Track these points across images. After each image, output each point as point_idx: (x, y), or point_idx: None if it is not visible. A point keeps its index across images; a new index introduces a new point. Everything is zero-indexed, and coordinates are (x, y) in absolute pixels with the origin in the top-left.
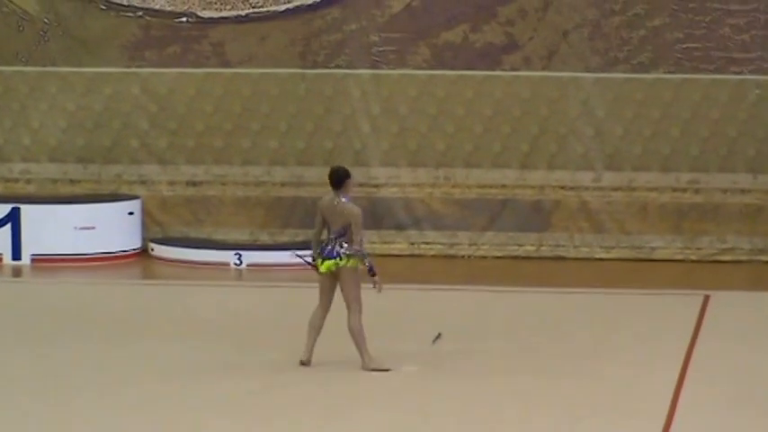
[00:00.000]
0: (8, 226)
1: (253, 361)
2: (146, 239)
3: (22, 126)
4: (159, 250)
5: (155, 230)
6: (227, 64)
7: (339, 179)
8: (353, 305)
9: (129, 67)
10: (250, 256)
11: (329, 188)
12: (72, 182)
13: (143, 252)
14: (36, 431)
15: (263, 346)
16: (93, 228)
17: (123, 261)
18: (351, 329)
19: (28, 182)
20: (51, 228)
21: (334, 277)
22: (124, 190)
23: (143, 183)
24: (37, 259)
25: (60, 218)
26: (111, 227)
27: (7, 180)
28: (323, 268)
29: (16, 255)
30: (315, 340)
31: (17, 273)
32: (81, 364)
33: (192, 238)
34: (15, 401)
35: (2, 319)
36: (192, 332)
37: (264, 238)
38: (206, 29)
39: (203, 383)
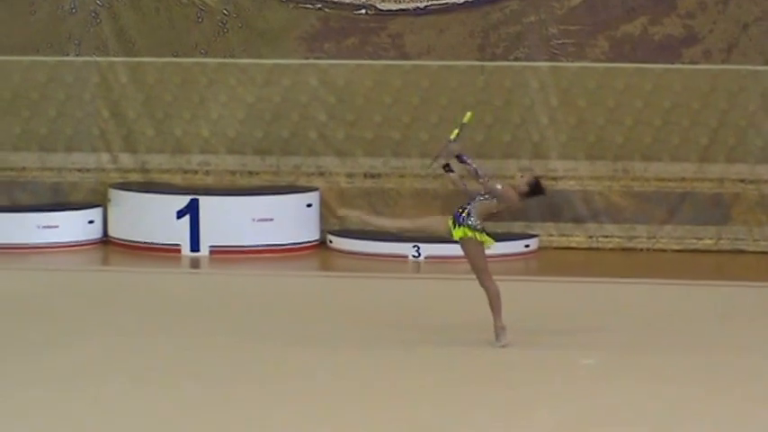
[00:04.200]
0: (187, 217)
1: (442, 352)
2: (324, 231)
3: (200, 118)
4: (338, 242)
5: (333, 222)
6: (405, 56)
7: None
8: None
9: (307, 58)
10: (428, 249)
11: (505, 179)
12: (250, 173)
13: (321, 244)
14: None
15: (447, 338)
16: (272, 219)
17: (301, 253)
18: (492, 295)
19: (206, 173)
20: (229, 219)
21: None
22: (302, 182)
23: (321, 174)
24: (215, 251)
25: (238, 209)
26: (289, 219)
27: (186, 171)
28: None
29: (195, 246)
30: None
31: (195, 264)
32: (262, 358)
33: (370, 230)
34: (209, 392)
35: (181, 311)
36: (372, 324)
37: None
38: (385, 21)
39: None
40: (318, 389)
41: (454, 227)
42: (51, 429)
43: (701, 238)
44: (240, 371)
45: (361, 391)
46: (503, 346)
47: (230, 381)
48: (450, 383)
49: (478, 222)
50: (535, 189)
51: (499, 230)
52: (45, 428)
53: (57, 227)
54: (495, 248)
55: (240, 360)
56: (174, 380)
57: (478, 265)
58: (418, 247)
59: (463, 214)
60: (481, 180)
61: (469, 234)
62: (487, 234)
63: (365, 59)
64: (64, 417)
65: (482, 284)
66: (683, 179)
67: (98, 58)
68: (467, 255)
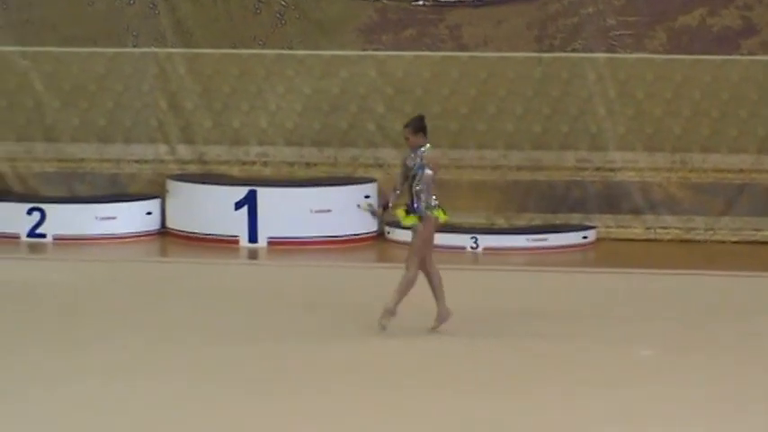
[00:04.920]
0: (245, 209)
1: (498, 342)
2: (382, 223)
3: (259, 109)
4: (395, 234)
5: (391, 214)
6: (463, 47)
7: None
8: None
9: (365, 50)
10: (486, 240)
11: (563, 171)
12: (308, 165)
13: (379, 236)
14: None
15: (502, 328)
16: (329, 211)
17: (359, 244)
18: (407, 279)
19: (264, 165)
20: (287, 211)
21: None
22: (360, 173)
23: (379, 166)
24: (273, 242)
25: (296, 201)
26: (347, 210)
27: (244, 163)
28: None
29: (253, 237)
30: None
31: (253, 255)
32: (323, 350)
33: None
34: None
35: (239, 302)
36: (430, 315)
37: (500, 221)
38: (443, 12)
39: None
40: (383, 378)
41: (406, 215)
42: (111, 422)
43: (759, 230)
44: (300, 363)
45: (421, 379)
46: (382, 328)
47: (289, 373)
48: (509, 372)
49: (431, 201)
50: (418, 124)
51: (557, 222)
52: (108, 421)
53: (115, 218)
54: (553, 240)
55: (299, 352)
56: (231, 374)
57: (418, 246)
58: (476, 239)
59: (416, 203)
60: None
61: (423, 218)
62: (439, 209)
63: (423, 51)
64: (121, 410)
65: (407, 265)
66: (742, 170)
67: (156, 50)
68: (417, 235)
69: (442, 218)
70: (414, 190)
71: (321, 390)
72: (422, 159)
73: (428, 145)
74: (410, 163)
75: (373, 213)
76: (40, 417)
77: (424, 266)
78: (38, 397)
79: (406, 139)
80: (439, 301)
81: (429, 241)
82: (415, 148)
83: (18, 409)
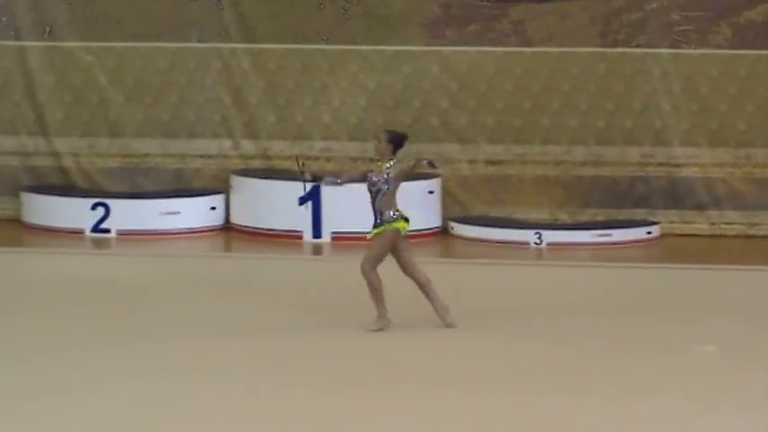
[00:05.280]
0: (309, 204)
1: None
2: (445, 218)
3: (322, 104)
4: (459, 229)
5: (455, 209)
6: (527, 43)
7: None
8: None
9: (429, 45)
10: (550, 235)
11: (627, 166)
12: (371, 160)
13: (443, 231)
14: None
15: (567, 323)
16: None
17: (423, 240)
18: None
19: (328, 160)
20: (351, 206)
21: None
22: (424, 168)
23: (443, 161)
24: (337, 237)
25: (360, 196)
26: (411, 205)
27: (307, 158)
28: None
29: (317, 233)
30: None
31: (317, 250)
32: (387, 345)
33: (492, 216)
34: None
35: (303, 298)
36: (494, 310)
37: (564, 217)
38: (506, 7)
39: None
40: (448, 374)
41: (376, 228)
42: (185, 417)
43: None
44: (364, 358)
45: (491, 375)
46: (377, 330)
47: (355, 368)
48: (568, 368)
49: (393, 213)
50: (397, 140)
51: (621, 217)
52: (182, 416)
53: (179, 213)
54: (617, 235)
55: (362, 347)
56: (292, 369)
57: (375, 252)
58: (540, 234)
59: (378, 219)
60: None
61: (389, 228)
62: (404, 219)
63: (487, 46)
64: (194, 405)
65: (363, 271)
66: None
67: (220, 45)
68: (375, 242)
69: (404, 229)
70: (376, 206)
71: (399, 382)
72: (387, 176)
73: (392, 162)
74: (375, 178)
75: (308, 180)
76: (113, 412)
77: (408, 271)
78: (108, 392)
79: (378, 141)
80: (379, 305)
81: (385, 252)
82: (380, 155)
83: (89, 404)
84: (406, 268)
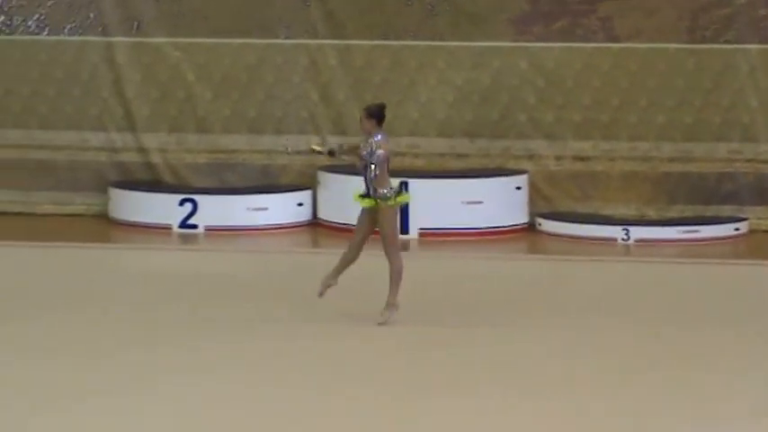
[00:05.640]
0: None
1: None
2: (532, 214)
3: (410, 100)
4: (546, 225)
5: (542, 205)
6: (614, 39)
7: (383, 114)
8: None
9: (516, 41)
10: (637, 232)
11: (715, 162)
12: (459, 156)
13: (530, 227)
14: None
15: (660, 320)
16: (481, 202)
17: (510, 236)
18: (396, 270)
19: (416, 156)
20: (438, 202)
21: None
22: (511, 164)
23: (530, 157)
24: (424, 233)
25: (447, 192)
26: (498, 201)
27: (395, 154)
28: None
29: (404, 229)
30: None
31: (404, 247)
32: (480, 342)
33: (580, 213)
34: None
35: (383, 293)
36: (580, 306)
37: (651, 213)
38: (594, 3)
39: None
40: (538, 371)
41: (362, 198)
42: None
43: None
44: (451, 354)
45: (572, 371)
46: (382, 323)
47: (444, 366)
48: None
49: (387, 190)
50: (376, 112)
51: (709, 214)
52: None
53: (266, 209)
54: (705, 232)
55: (444, 343)
56: (379, 366)
57: (388, 234)
58: (627, 230)
59: (371, 192)
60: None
61: (382, 203)
62: (398, 194)
63: (574, 42)
64: (279, 400)
65: (388, 256)
66: None
67: (307, 41)
68: (379, 223)
69: (403, 200)
70: (368, 179)
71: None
72: (372, 148)
73: (380, 136)
74: (364, 152)
75: (323, 153)
76: (199, 407)
77: (355, 251)
78: (210, 385)
79: (360, 120)
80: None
81: (395, 228)
82: (367, 133)
83: (176, 399)
84: (361, 240)
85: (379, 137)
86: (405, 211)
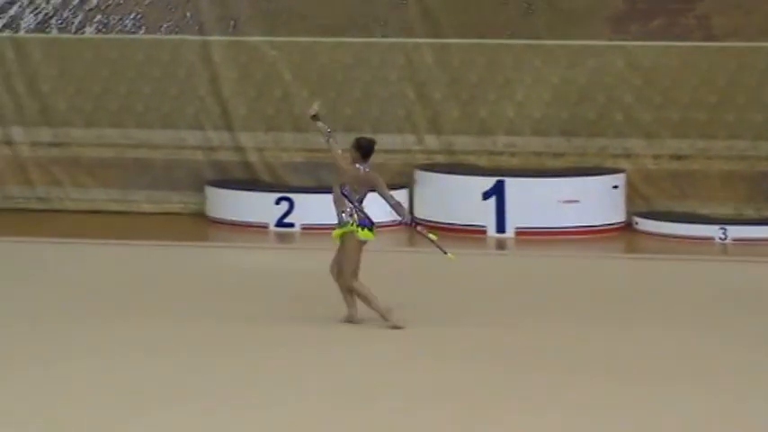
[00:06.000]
0: (493, 199)
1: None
2: (630, 213)
3: (506, 99)
4: (644, 224)
5: (639, 204)
6: (712, 37)
7: (370, 150)
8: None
9: (613, 39)
10: (735, 231)
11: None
12: (555, 155)
13: (627, 226)
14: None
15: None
16: (578, 201)
17: (607, 235)
18: (354, 289)
19: (512, 155)
20: (535, 201)
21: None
22: (608, 163)
23: (627, 156)
24: (520, 232)
25: (544, 191)
26: (595, 200)
27: (491, 153)
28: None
29: (500, 228)
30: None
31: (501, 245)
32: (580, 339)
33: (677, 212)
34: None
35: (487, 293)
36: (683, 309)
37: (749, 212)
38: (692, 2)
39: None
40: (629, 368)
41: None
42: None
43: None
44: (550, 355)
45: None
46: (394, 327)
47: (535, 365)
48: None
49: (348, 216)
50: (364, 148)
51: None
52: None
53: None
54: None
55: (547, 344)
56: (481, 361)
57: (350, 266)
58: (725, 230)
59: (345, 216)
60: (328, 142)
61: (348, 231)
62: (369, 230)
63: (672, 41)
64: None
65: (349, 286)
66: None
67: (404, 40)
68: (344, 249)
69: (366, 238)
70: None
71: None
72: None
73: (367, 168)
74: (346, 179)
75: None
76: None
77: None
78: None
79: (350, 150)
80: (376, 309)
81: (357, 260)
82: (352, 162)
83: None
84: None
85: (367, 168)
86: (501, 209)
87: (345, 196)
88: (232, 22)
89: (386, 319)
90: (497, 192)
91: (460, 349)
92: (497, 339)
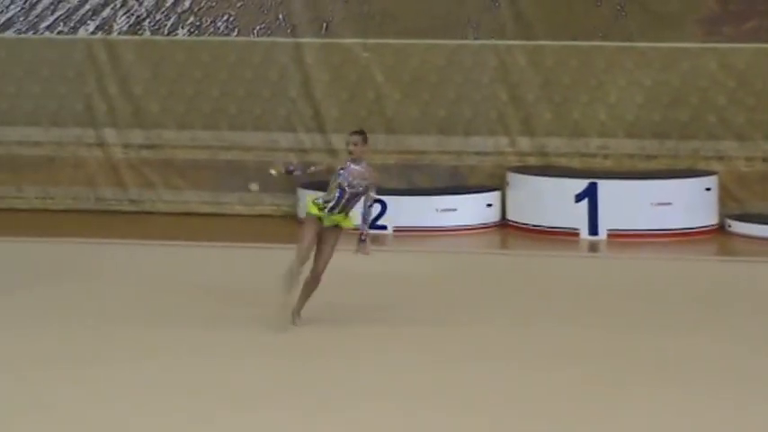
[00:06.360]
0: (585, 201)
1: None
2: (722, 216)
3: (598, 101)
4: (737, 226)
5: (732, 207)
6: None
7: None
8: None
9: (706, 42)
10: None
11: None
12: (648, 157)
13: (719, 228)
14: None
15: None
16: (670, 204)
17: (699, 237)
18: (317, 278)
19: (605, 157)
20: (628, 203)
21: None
22: (701, 166)
23: (720, 159)
24: (613, 234)
25: (637, 193)
26: (687, 203)
27: (584, 155)
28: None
29: (593, 230)
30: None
31: (594, 248)
32: (657, 345)
33: None
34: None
35: (579, 295)
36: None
37: None
38: None
39: None
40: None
41: (326, 214)
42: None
43: None
44: (635, 358)
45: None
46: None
47: (624, 367)
48: None
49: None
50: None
51: None
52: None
53: (455, 210)
54: None
55: (631, 346)
56: (562, 363)
57: (331, 254)
58: None
59: (332, 205)
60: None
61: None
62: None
63: (765, 43)
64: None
65: (319, 270)
66: None
67: (496, 42)
68: (332, 242)
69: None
70: (348, 205)
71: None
72: (365, 180)
73: (365, 163)
74: (353, 181)
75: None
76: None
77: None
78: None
79: (355, 144)
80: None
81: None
82: (356, 160)
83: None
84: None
85: (364, 164)
86: (594, 211)
87: (355, 195)
88: (324, 24)
89: (285, 312)
90: (590, 194)
91: (539, 351)
92: (580, 342)
